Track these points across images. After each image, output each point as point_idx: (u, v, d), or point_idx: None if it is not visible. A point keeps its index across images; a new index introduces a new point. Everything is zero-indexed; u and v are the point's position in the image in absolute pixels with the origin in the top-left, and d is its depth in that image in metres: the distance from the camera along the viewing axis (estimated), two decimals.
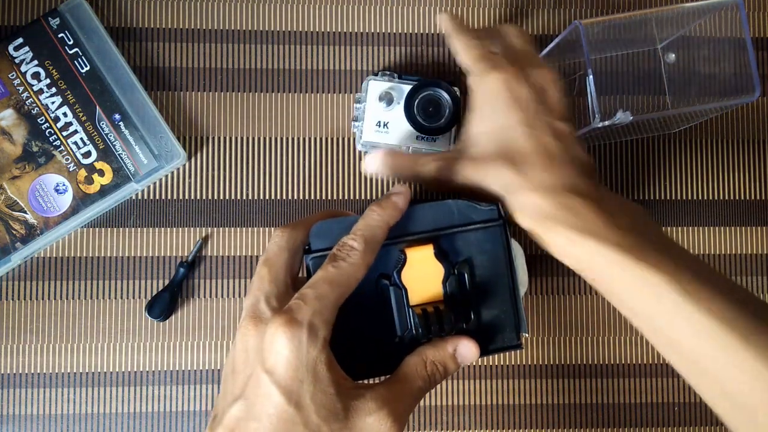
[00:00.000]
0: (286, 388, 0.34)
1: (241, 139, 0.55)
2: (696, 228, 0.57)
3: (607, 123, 0.46)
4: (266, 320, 0.36)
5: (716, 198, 0.57)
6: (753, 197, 0.58)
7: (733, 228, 0.57)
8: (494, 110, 0.42)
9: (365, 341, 0.39)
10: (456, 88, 0.51)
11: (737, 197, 0.57)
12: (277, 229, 0.40)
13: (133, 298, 0.54)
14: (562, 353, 0.56)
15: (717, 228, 0.57)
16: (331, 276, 0.36)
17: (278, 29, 0.56)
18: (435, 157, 0.44)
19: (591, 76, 0.45)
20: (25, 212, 0.51)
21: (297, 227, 0.40)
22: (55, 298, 0.53)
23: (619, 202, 0.42)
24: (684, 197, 0.57)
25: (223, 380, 0.38)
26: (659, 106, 0.57)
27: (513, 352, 0.55)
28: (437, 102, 0.50)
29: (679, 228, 0.57)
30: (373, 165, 0.45)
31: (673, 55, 0.56)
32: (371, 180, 0.56)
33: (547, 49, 0.52)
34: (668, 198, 0.57)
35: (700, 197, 0.57)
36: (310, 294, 0.36)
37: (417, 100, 0.50)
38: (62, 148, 0.52)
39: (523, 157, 0.41)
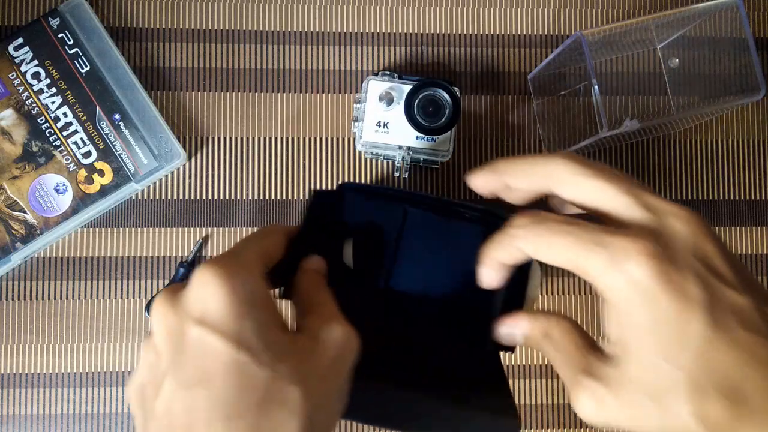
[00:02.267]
0: (227, 332, 0.28)
1: (241, 139, 0.55)
2: None
3: (614, 132, 0.46)
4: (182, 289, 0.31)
5: (717, 198, 0.57)
6: (753, 197, 0.58)
7: (733, 228, 0.57)
8: None
9: None
10: (456, 88, 0.51)
11: (738, 197, 0.57)
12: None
13: (133, 298, 0.54)
14: None
15: (719, 228, 0.57)
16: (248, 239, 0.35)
17: (278, 29, 0.56)
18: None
19: (596, 86, 0.45)
20: (25, 212, 0.51)
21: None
22: (55, 298, 0.53)
23: None
24: (685, 197, 0.57)
25: (138, 390, 0.31)
26: (662, 107, 0.57)
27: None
28: (437, 102, 0.50)
29: None
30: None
31: (677, 60, 0.56)
32: (371, 180, 0.56)
33: (549, 58, 0.52)
34: (673, 198, 0.57)
35: (700, 197, 0.57)
36: (229, 251, 0.33)
37: (417, 100, 0.50)
38: (62, 148, 0.52)
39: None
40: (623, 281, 0.27)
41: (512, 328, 0.35)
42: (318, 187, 0.55)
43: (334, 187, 0.55)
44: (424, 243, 0.39)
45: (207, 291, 0.29)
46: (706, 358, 0.26)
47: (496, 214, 0.38)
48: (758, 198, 0.58)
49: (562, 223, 0.29)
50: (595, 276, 0.28)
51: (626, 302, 0.28)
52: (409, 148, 0.51)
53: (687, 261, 0.27)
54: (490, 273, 0.34)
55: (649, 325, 0.27)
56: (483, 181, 0.35)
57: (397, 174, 0.52)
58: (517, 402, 0.55)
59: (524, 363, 0.55)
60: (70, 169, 0.52)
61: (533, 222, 0.30)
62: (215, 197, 0.55)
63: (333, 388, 0.31)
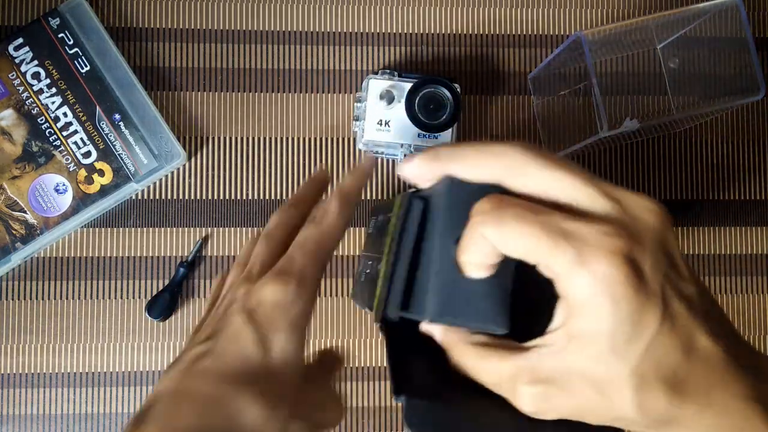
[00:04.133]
0: (260, 330, 0.32)
1: (242, 139, 0.55)
2: (698, 228, 0.57)
3: (614, 132, 0.46)
4: (256, 278, 0.34)
5: (717, 198, 0.57)
6: (753, 197, 0.58)
7: (733, 228, 0.57)
8: None
9: None
10: (456, 85, 0.51)
11: (738, 197, 0.57)
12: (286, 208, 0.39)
13: (133, 298, 0.54)
14: None
15: (719, 228, 0.57)
16: (314, 235, 0.35)
17: (278, 29, 0.56)
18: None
19: (596, 87, 0.45)
20: (25, 212, 0.51)
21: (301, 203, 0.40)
22: (55, 298, 0.53)
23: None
24: (685, 197, 0.57)
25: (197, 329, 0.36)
26: (662, 106, 0.57)
27: None
28: (438, 99, 0.50)
29: (681, 228, 0.57)
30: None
31: (677, 60, 0.56)
32: (371, 180, 0.56)
33: (549, 58, 0.52)
34: (670, 198, 0.57)
35: (700, 197, 0.57)
36: (298, 252, 0.34)
37: (418, 98, 0.50)
38: (62, 148, 0.52)
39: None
40: (589, 280, 0.25)
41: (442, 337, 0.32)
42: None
43: (335, 187, 0.55)
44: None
45: (264, 292, 0.33)
46: (653, 348, 0.26)
47: None
48: (758, 198, 0.58)
49: (527, 209, 0.26)
50: (560, 273, 0.26)
51: (588, 298, 0.26)
52: (410, 146, 0.51)
53: (656, 258, 0.26)
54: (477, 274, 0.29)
55: (608, 323, 0.26)
56: (420, 170, 0.30)
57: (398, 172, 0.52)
58: None
59: None
60: (70, 169, 0.52)
61: (496, 207, 0.26)
62: (215, 197, 0.55)
63: None
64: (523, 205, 0.26)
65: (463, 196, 0.28)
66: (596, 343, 0.26)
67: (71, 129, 0.52)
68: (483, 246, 0.27)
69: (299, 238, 0.36)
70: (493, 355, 0.29)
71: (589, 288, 0.25)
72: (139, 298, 0.54)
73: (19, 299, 0.53)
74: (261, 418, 0.31)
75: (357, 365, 0.55)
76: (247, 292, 0.34)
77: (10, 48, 0.52)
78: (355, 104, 0.54)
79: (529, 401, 0.27)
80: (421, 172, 0.30)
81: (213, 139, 0.55)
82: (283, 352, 0.32)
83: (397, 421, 0.55)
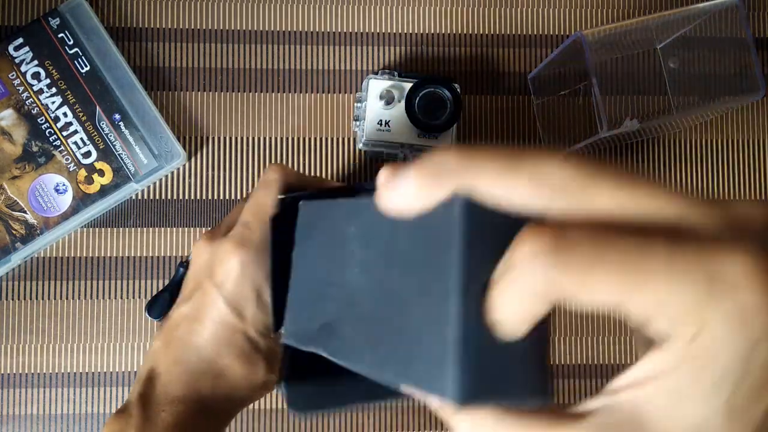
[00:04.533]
0: (232, 302, 0.38)
1: (242, 139, 0.55)
2: None
3: (614, 132, 0.46)
4: (219, 240, 0.40)
5: (718, 198, 0.57)
6: (754, 197, 0.58)
7: None
8: None
9: None
10: (456, 85, 0.51)
11: (738, 197, 0.57)
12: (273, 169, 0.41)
13: (133, 298, 0.54)
14: (562, 353, 0.56)
15: None
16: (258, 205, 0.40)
17: (278, 29, 0.56)
18: None
19: (596, 87, 0.45)
20: (25, 212, 0.51)
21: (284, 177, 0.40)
22: (55, 298, 0.53)
23: None
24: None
25: (180, 291, 0.43)
26: (662, 107, 0.57)
27: None
28: (438, 99, 0.50)
29: None
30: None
31: (677, 60, 0.56)
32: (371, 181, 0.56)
33: (549, 58, 0.52)
34: None
35: (704, 197, 0.57)
36: (254, 225, 0.39)
37: (418, 98, 0.50)
38: (62, 148, 0.52)
39: None
40: (724, 316, 0.17)
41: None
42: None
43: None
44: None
45: (228, 266, 0.38)
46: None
47: None
48: (758, 198, 0.58)
49: (613, 236, 0.17)
50: (675, 316, 0.17)
51: (718, 340, 0.17)
52: (410, 146, 0.51)
53: None
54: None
55: (735, 370, 0.17)
56: (418, 196, 0.19)
57: None
58: None
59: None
60: (70, 169, 0.52)
61: (560, 239, 0.17)
62: (215, 197, 0.55)
63: None
64: (602, 232, 0.17)
65: (487, 228, 0.19)
66: (713, 396, 0.17)
67: (71, 129, 0.52)
68: (536, 296, 0.18)
69: (245, 213, 0.40)
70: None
71: (723, 327, 0.17)
72: (139, 298, 0.54)
73: (19, 299, 0.53)
74: (242, 374, 0.39)
75: None
76: (210, 260, 0.40)
77: (10, 48, 0.52)
78: (355, 104, 0.54)
79: None
80: (420, 198, 0.19)
81: (213, 139, 0.55)
82: (255, 319, 0.38)
83: (397, 421, 0.55)
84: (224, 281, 0.38)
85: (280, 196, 0.38)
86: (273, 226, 0.36)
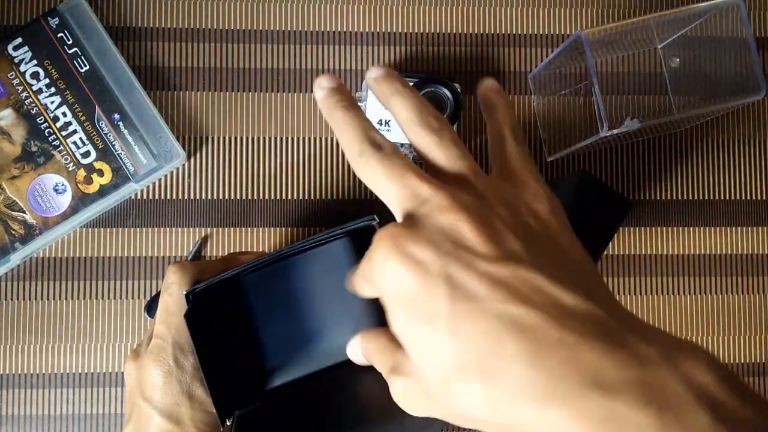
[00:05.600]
0: (165, 412, 0.39)
1: (241, 138, 0.55)
2: (701, 228, 0.57)
3: (615, 132, 0.46)
4: (141, 356, 0.41)
5: (717, 198, 0.57)
6: (754, 197, 0.57)
7: (734, 228, 0.57)
8: None
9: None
10: (457, 85, 0.51)
11: (738, 197, 0.57)
12: (173, 270, 0.42)
13: (133, 298, 0.53)
14: None
15: (722, 228, 0.57)
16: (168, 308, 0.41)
17: (278, 29, 0.56)
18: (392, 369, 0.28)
19: (597, 87, 0.45)
20: (24, 212, 0.51)
21: (188, 272, 0.43)
22: (55, 298, 0.53)
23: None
24: (689, 197, 0.57)
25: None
26: (663, 106, 0.57)
27: None
28: (439, 99, 0.50)
29: (685, 228, 0.57)
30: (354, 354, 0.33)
31: (678, 60, 0.56)
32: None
33: (549, 58, 0.52)
34: (673, 198, 0.57)
35: (701, 197, 0.57)
36: (165, 332, 0.40)
37: None
38: (61, 147, 0.52)
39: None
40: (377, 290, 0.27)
41: (354, 352, 0.32)
42: (318, 189, 0.55)
43: (334, 187, 0.55)
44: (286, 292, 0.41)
45: (152, 381, 0.40)
46: (457, 335, 0.23)
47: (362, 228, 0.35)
48: (759, 198, 0.58)
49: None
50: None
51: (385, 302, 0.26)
52: (411, 145, 0.51)
53: (429, 236, 0.25)
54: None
55: (397, 321, 0.25)
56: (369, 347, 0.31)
57: None
58: None
59: None
60: (69, 169, 0.52)
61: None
62: (215, 197, 0.55)
63: None
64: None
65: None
66: (411, 334, 0.25)
67: (70, 129, 0.52)
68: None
69: (158, 316, 0.42)
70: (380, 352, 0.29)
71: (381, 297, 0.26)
72: (139, 298, 0.53)
73: (18, 299, 0.53)
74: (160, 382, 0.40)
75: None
76: (138, 378, 0.42)
77: (10, 48, 0.52)
78: None
79: (397, 396, 0.27)
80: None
81: (212, 139, 0.55)
82: (193, 420, 0.40)
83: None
84: (152, 395, 0.40)
85: (185, 292, 0.39)
86: (189, 322, 0.38)
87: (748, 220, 0.57)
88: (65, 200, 0.52)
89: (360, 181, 0.55)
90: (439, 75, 0.56)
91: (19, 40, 0.52)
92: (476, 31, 0.57)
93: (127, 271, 0.54)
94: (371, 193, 0.55)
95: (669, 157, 0.57)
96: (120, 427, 0.53)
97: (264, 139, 0.55)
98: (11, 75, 0.52)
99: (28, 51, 0.52)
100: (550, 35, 0.57)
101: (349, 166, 0.55)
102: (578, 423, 0.21)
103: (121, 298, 0.53)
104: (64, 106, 0.52)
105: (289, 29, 0.56)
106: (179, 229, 0.54)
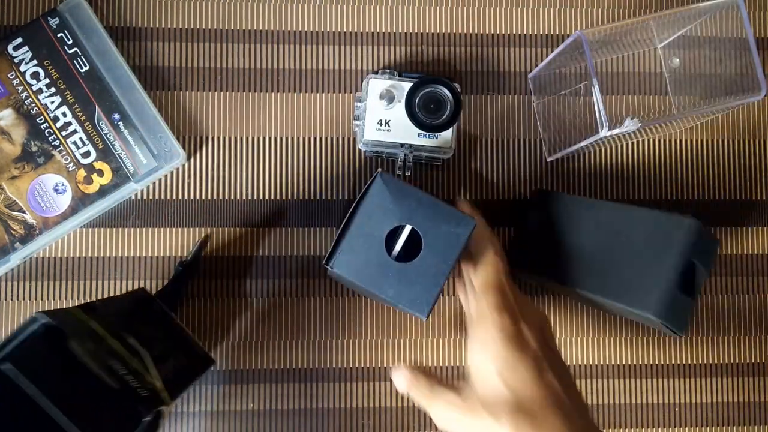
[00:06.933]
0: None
1: (241, 138, 0.55)
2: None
3: (615, 132, 0.46)
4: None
5: (717, 198, 0.57)
6: (754, 197, 0.57)
7: (733, 228, 0.57)
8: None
9: None
10: (457, 85, 0.51)
11: (738, 197, 0.57)
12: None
13: None
14: (562, 353, 0.56)
15: (720, 228, 0.57)
16: None
17: (278, 29, 0.56)
18: (447, 402, 0.41)
19: (597, 87, 0.45)
20: (24, 212, 0.51)
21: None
22: (54, 298, 0.53)
23: None
24: (685, 197, 0.57)
25: None
26: (663, 106, 0.57)
27: None
28: (439, 99, 0.50)
29: None
30: (399, 384, 0.45)
31: (678, 60, 0.56)
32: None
33: (549, 58, 0.52)
34: (673, 198, 0.57)
35: (701, 197, 0.57)
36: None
37: (418, 98, 0.50)
38: (61, 147, 0.52)
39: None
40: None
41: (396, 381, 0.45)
42: (318, 189, 0.55)
43: (335, 187, 0.55)
44: None
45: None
46: (505, 379, 0.38)
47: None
48: (758, 198, 0.58)
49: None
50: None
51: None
52: (411, 145, 0.51)
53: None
54: None
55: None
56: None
57: (399, 172, 0.52)
58: None
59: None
60: (69, 169, 0.52)
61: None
62: (215, 197, 0.55)
63: None
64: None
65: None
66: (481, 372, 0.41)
67: (70, 129, 0.52)
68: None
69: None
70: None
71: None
72: None
73: (18, 300, 0.53)
74: None
75: (357, 365, 0.55)
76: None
77: (10, 48, 0.52)
78: (355, 104, 0.54)
79: (440, 406, 0.42)
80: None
81: (212, 139, 0.55)
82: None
83: (397, 421, 0.55)
84: None
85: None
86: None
87: (745, 220, 0.57)
88: (65, 200, 0.52)
89: (359, 182, 0.55)
90: (439, 75, 0.56)
91: (19, 40, 0.52)
92: (476, 31, 0.57)
93: (127, 271, 0.54)
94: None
95: (667, 158, 0.57)
96: None
97: (264, 139, 0.55)
98: (11, 75, 0.52)
99: (28, 51, 0.52)
100: (550, 35, 0.57)
101: (350, 167, 0.55)
102: None
103: None
104: (64, 106, 0.52)
105: (289, 29, 0.56)
106: (179, 229, 0.54)
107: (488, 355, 0.39)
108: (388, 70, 0.52)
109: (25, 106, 0.52)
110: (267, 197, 0.55)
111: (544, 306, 0.56)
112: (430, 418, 0.54)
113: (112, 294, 0.53)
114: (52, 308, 0.53)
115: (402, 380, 0.44)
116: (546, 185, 0.56)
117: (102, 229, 0.54)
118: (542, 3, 0.57)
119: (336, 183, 0.55)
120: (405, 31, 0.56)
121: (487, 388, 0.39)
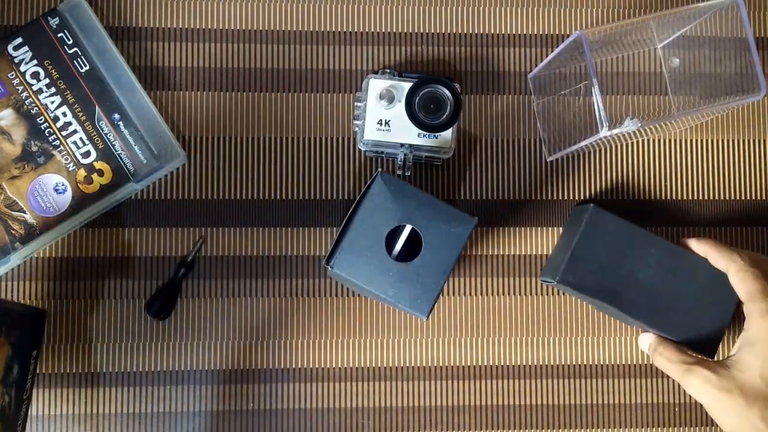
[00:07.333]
0: None
1: (241, 138, 0.55)
2: (699, 228, 0.57)
3: (614, 132, 0.46)
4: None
5: (717, 198, 0.57)
6: (754, 197, 0.57)
7: (734, 228, 0.57)
8: None
9: None
10: (457, 85, 0.51)
11: (738, 197, 0.57)
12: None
13: (133, 297, 0.53)
14: (562, 353, 0.56)
15: (720, 228, 0.57)
16: None
17: (278, 29, 0.56)
18: (706, 379, 0.46)
19: (596, 87, 0.45)
20: (24, 212, 0.51)
21: None
22: (54, 298, 0.53)
23: None
24: (685, 197, 0.57)
25: None
26: (663, 106, 0.57)
27: (514, 352, 0.55)
28: (438, 99, 0.50)
29: (686, 228, 0.57)
30: (644, 346, 0.52)
31: (677, 60, 0.56)
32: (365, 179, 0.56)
33: (549, 58, 0.52)
34: (673, 198, 0.57)
35: (701, 197, 0.57)
36: None
37: (418, 98, 0.50)
38: (61, 147, 0.52)
39: None
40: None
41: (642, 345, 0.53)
42: (318, 189, 0.55)
43: (335, 187, 0.55)
44: None
45: None
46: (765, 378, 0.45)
47: None
48: (758, 198, 0.58)
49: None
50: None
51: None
52: (411, 145, 0.51)
53: None
54: None
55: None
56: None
57: (399, 172, 0.52)
58: (517, 402, 0.55)
59: (525, 363, 0.55)
60: (70, 169, 0.52)
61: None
62: (215, 197, 0.55)
63: None
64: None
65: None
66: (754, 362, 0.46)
67: (70, 129, 0.52)
68: None
69: None
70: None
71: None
72: (139, 297, 0.53)
73: (19, 300, 0.53)
74: None
75: (357, 365, 0.55)
76: None
77: (10, 47, 0.52)
78: (355, 104, 0.54)
79: (696, 379, 0.47)
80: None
81: (212, 139, 0.55)
82: None
83: (397, 421, 0.55)
84: None
85: None
86: None
87: (745, 220, 0.57)
88: (65, 200, 0.52)
89: (362, 181, 0.55)
90: (439, 75, 0.56)
91: (19, 40, 0.52)
92: (476, 31, 0.57)
93: (127, 271, 0.54)
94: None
95: (667, 157, 0.57)
96: (118, 426, 0.53)
97: (264, 139, 0.55)
98: (11, 75, 0.52)
99: (28, 51, 0.52)
100: (550, 35, 0.57)
101: (349, 166, 0.55)
102: None
103: (121, 298, 0.53)
104: (64, 106, 0.52)
105: (289, 29, 0.56)
106: (179, 229, 0.54)
107: (761, 354, 0.46)
108: (388, 70, 0.52)
109: (25, 106, 0.52)
110: (267, 197, 0.55)
111: (544, 305, 0.56)
112: (430, 418, 0.54)
113: (112, 294, 0.53)
114: (51, 309, 0.53)
115: (646, 343, 0.52)
116: (546, 185, 0.56)
117: (102, 229, 0.54)
118: (542, 3, 0.57)
119: (336, 183, 0.55)
120: (405, 31, 0.56)
121: (748, 379, 0.45)
